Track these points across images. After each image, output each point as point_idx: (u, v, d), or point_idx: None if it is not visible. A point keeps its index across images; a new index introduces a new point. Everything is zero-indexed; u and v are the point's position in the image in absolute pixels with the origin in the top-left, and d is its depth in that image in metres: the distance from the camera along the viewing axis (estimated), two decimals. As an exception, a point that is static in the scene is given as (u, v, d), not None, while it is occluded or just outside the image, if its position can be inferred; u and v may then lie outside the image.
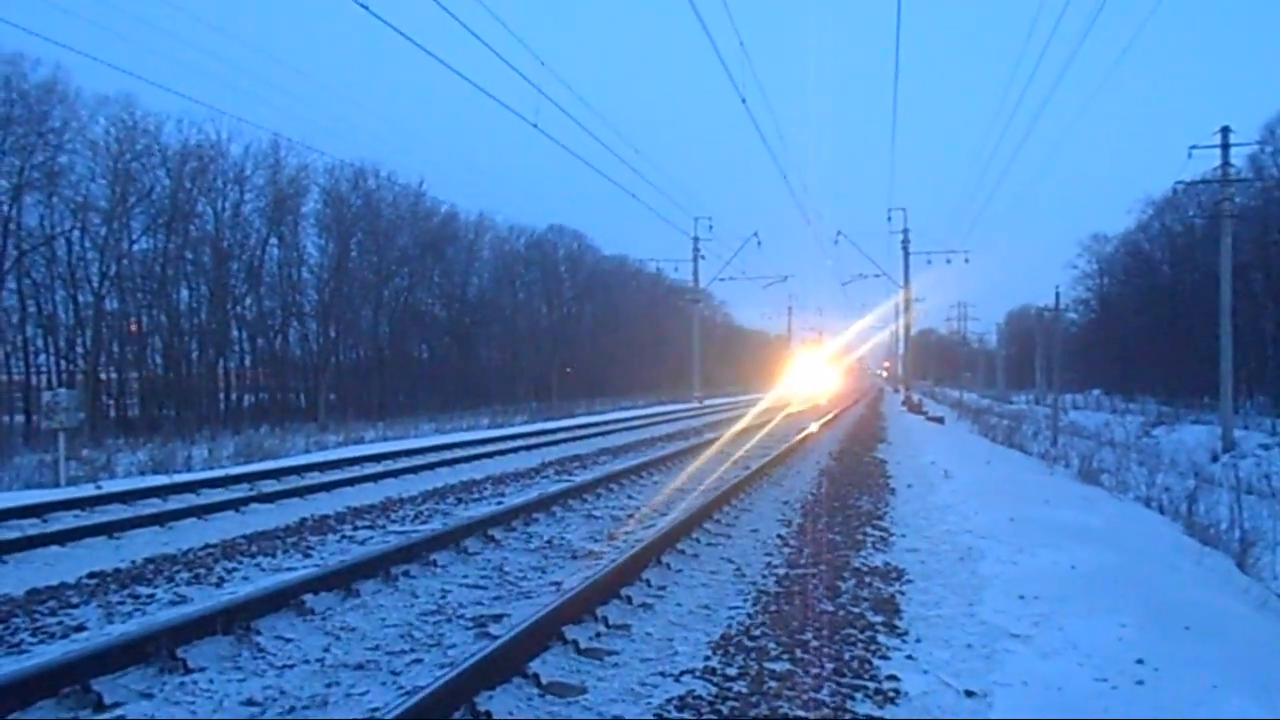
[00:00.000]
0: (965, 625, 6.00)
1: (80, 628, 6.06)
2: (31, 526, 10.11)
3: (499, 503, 11.60)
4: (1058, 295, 35.88)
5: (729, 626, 5.97)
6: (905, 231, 46.68)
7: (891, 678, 4.99)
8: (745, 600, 6.69)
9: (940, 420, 34.69)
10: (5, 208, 32.21)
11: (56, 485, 15.12)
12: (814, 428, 24.64)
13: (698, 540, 8.93)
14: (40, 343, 35.79)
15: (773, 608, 6.43)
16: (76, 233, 35.38)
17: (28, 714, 4.38)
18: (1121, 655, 5.17)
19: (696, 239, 53.12)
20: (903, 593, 6.94)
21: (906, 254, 46.94)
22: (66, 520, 10.53)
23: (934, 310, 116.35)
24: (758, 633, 5.80)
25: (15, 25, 18.39)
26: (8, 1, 18.51)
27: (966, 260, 46.84)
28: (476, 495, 12.50)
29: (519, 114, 17.88)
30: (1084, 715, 4.41)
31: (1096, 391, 66.89)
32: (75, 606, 6.59)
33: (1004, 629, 5.83)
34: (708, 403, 52.87)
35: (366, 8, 12.15)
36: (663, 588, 7.05)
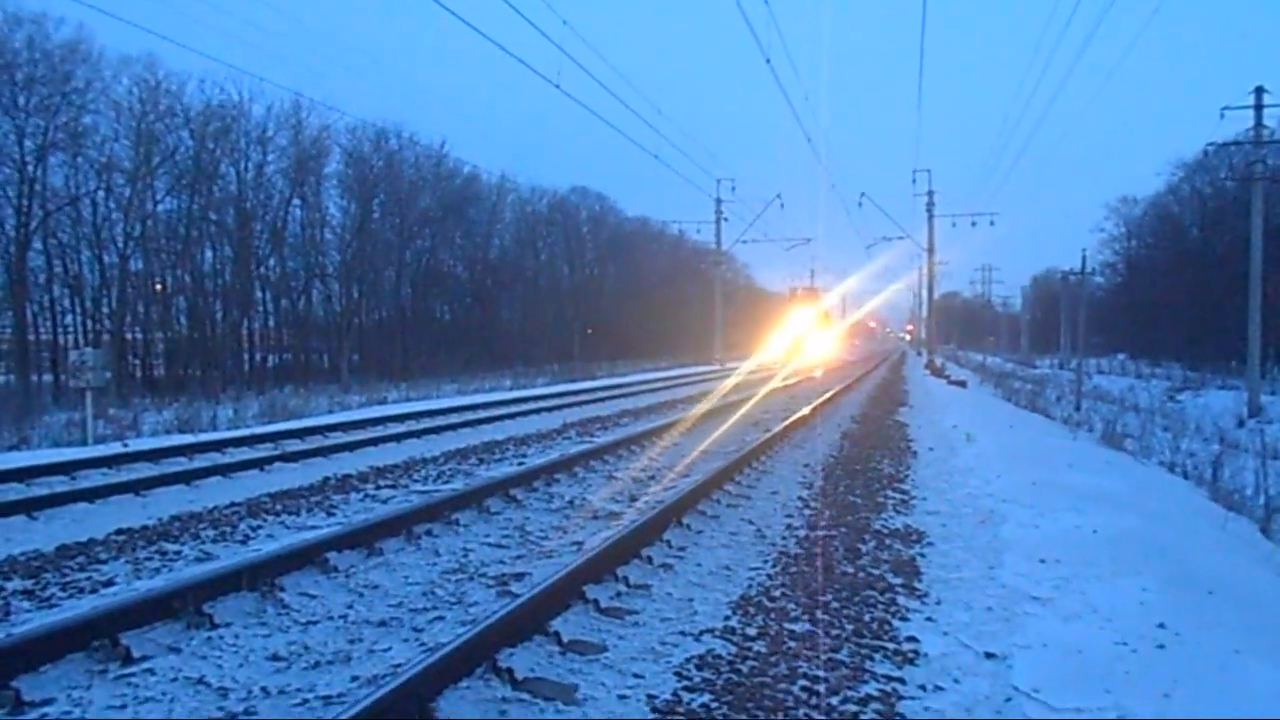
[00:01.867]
0: (986, 588, 5.99)
1: (109, 583, 6.16)
2: (60, 484, 10.26)
3: (520, 463, 11.66)
4: (1084, 258, 35.30)
5: (749, 587, 6.00)
6: (930, 194, 46.20)
7: (911, 639, 5.01)
8: (765, 561, 6.71)
9: (963, 384, 34.47)
10: (31, 168, 32.38)
11: (84, 444, 15.31)
12: (829, 394, 24.56)
13: (718, 502, 8.95)
14: (67, 303, 36.15)
15: (793, 569, 6.45)
16: (101, 193, 35.56)
17: (59, 666, 4.46)
18: (1143, 619, 5.15)
19: (719, 200, 52.83)
20: (923, 555, 6.94)
21: (931, 216, 46.49)
22: (94, 478, 10.68)
23: (958, 273, 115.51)
24: (777, 594, 5.83)
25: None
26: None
27: (992, 223, 46.29)
28: (498, 455, 12.56)
29: (542, 74, 17.72)
30: (1104, 677, 4.40)
31: (1121, 356, 66.21)
32: (104, 562, 6.70)
33: (1024, 592, 5.81)
34: (729, 365, 52.81)
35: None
36: (683, 548, 7.08)
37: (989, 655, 4.77)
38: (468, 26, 14.74)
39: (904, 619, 5.38)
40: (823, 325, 60.14)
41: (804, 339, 56.90)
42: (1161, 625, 5.03)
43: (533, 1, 15.42)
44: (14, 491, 9.66)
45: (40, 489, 9.82)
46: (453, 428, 16.28)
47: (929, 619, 5.39)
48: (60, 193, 34.07)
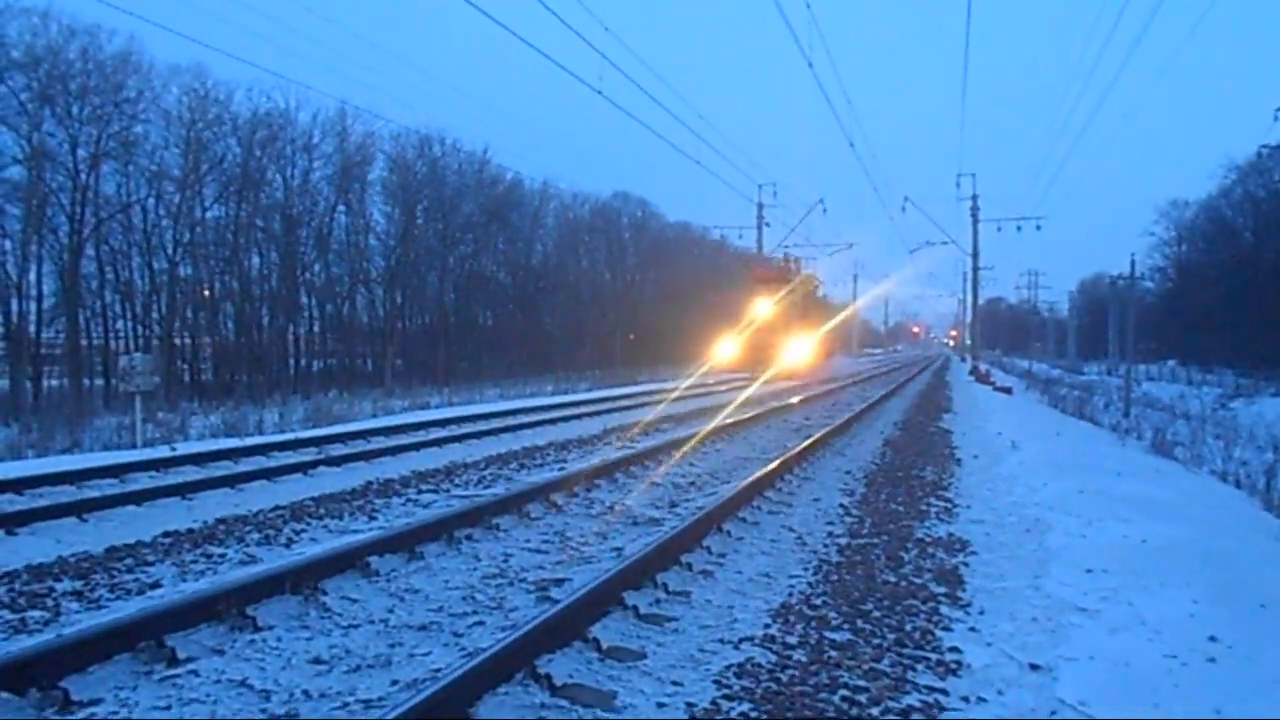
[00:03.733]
0: (1030, 598, 5.89)
1: (155, 585, 6.25)
2: (110, 486, 10.45)
3: (561, 468, 11.68)
4: (1133, 263, 34.62)
5: (789, 595, 5.95)
6: (974, 198, 45.75)
7: (954, 649, 4.93)
8: (806, 569, 6.66)
9: (1008, 390, 34.04)
10: (84, 176, 33.13)
11: (133, 447, 15.59)
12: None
13: (759, 508, 8.90)
14: (118, 308, 36.89)
15: (834, 577, 6.39)
16: (151, 200, 36.34)
17: (106, 667, 4.53)
18: (1193, 632, 5.04)
19: (761, 206, 52.56)
20: (966, 564, 6.84)
21: (975, 221, 46.00)
22: (143, 481, 10.87)
23: (1003, 278, 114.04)
24: (818, 602, 5.77)
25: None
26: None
27: (1038, 227, 45.60)
28: (539, 460, 12.60)
29: (584, 81, 17.79)
30: (1153, 691, 4.31)
31: (1171, 363, 64.95)
32: (151, 564, 6.81)
33: (1070, 603, 5.70)
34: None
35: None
36: (723, 555, 7.05)
37: (1034, 667, 4.68)
38: (511, 34, 14.85)
39: (947, 629, 5.30)
40: (802, 320, 41.48)
41: (772, 340, 38.08)
42: (1212, 638, 4.91)
43: (575, 8, 15.50)
44: (65, 494, 9.87)
45: (91, 491, 10.01)
46: (494, 433, 16.36)
47: (972, 629, 5.31)
48: (112, 200, 34.87)
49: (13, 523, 8.14)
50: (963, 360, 69.27)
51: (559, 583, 6.24)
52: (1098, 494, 9.49)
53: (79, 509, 8.76)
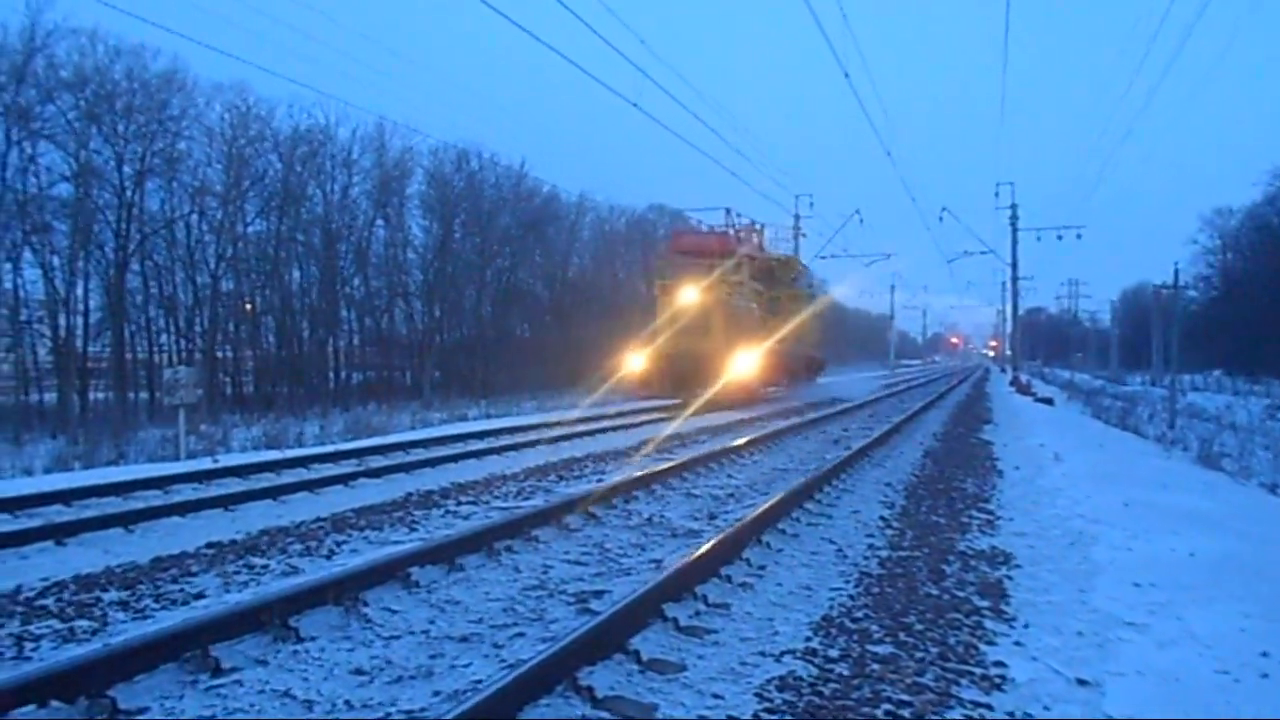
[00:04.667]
0: (1076, 612, 5.79)
1: (200, 595, 6.33)
2: (155, 498, 10.60)
3: (599, 480, 11.68)
4: (1176, 272, 34.16)
5: (830, 608, 5.90)
6: (1013, 207, 45.17)
7: (999, 663, 4.86)
8: (847, 581, 6.60)
9: (1049, 401, 33.61)
10: (129, 193, 33.77)
11: (177, 459, 15.82)
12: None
13: (798, 520, 8.84)
14: (162, 322, 37.53)
15: (875, 590, 6.33)
16: (195, 216, 36.97)
17: (153, 676, 4.59)
18: (1245, 647, 4.93)
19: (797, 216, 52.37)
20: (1010, 577, 6.74)
21: (1015, 230, 45.46)
22: (186, 492, 11.01)
23: (1043, 288, 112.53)
24: (860, 614, 5.72)
25: (137, 17, 19.15)
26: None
27: (1079, 236, 44.88)
28: (577, 472, 12.62)
29: (620, 94, 17.85)
30: (1204, 708, 4.21)
31: (1217, 373, 63.74)
32: (195, 575, 6.89)
33: (1118, 617, 5.60)
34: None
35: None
36: (763, 567, 7.00)
37: (1081, 682, 4.60)
38: (549, 49, 14.94)
39: (991, 643, 5.22)
40: (768, 319, 30.87)
41: (707, 346, 26.10)
42: (1265, 654, 4.80)
43: (611, 22, 15.59)
44: (112, 505, 10.02)
45: (136, 502, 10.17)
46: (532, 444, 16.41)
47: (1017, 643, 5.23)
48: (156, 216, 35.49)
49: (62, 533, 8.29)
50: (1002, 371, 68.47)
51: (598, 594, 6.24)
52: (1144, 506, 9.33)
53: (125, 520, 8.90)
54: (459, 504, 10.00)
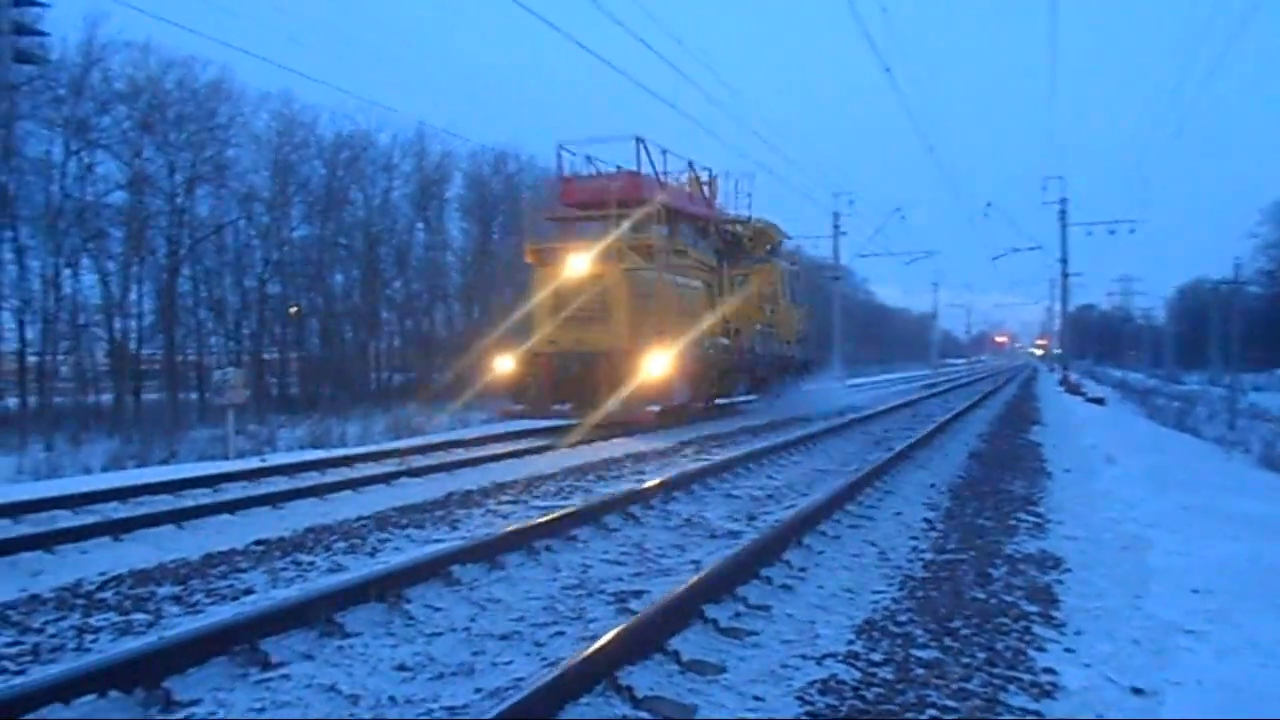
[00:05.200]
0: (1130, 618, 5.64)
1: (249, 591, 6.41)
2: (205, 496, 10.80)
3: (638, 480, 11.67)
4: (1236, 266, 33.47)
5: (873, 611, 5.82)
6: (1063, 201, 44.40)
7: (1049, 670, 4.75)
8: (890, 585, 6.51)
9: (1101, 401, 32.99)
10: (180, 200, 34.40)
11: (226, 458, 16.05)
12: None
13: (839, 522, 8.75)
14: (211, 325, 38.15)
15: (919, 593, 6.24)
16: (242, 222, 37.51)
17: (204, 669, 4.66)
18: (1309, 657, 4.78)
19: (837, 215, 52.11)
20: (1060, 582, 6.60)
21: (1064, 225, 44.68)
22: (235, 491, 11.19)
23: (1094, 284, 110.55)
24: (903, 618, 5.63)
25: (187, 29, 19.54)
26: (182, 7, 19.61)
27: (1132, 230, 43.89)
28: (616, 473, 12.61)
29: (657, 95, 17.85)
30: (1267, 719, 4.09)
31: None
32: (244, 571, 6.99)
33: (1175, 624, 5.44)
34: (849, 383, 51.76)
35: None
36: (803, 569, 6.94)
37: (1136, 691, 4.47)
38: (587, 51, 14.98)
39: (1040, 649, 5.11)
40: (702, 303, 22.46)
41: (608, 340, 18.79)
42: (1329, 662, 4.66)
43: (649, 24, 15.60)
44: (164, 503, 10.24)
45: (187, 500, 10.38)
46: (571, 445, 16.42)
47: (1068, 650, 5.11)
48: (206, 222, 36.09)
49: (118, 530, 8.49)
50: (1050, 370, 67.38)
51: (638, 594, 6.22)
52: (1202, 510, 9.11)
53: (177, 517, 9.08)
54: (499, 504, 10.05)
